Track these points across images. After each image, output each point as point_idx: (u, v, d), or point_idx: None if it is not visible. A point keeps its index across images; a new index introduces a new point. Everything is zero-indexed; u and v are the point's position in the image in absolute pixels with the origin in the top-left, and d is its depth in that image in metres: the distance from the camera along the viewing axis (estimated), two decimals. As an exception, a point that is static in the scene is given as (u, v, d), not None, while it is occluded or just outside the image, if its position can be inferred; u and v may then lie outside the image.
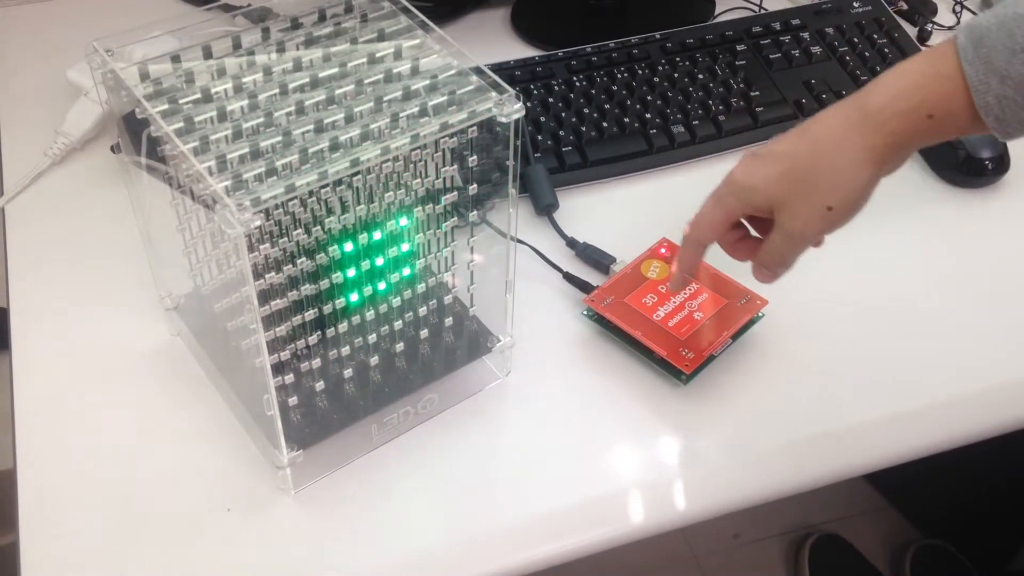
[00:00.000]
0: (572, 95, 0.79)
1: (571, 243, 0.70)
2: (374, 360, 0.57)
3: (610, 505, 0.56)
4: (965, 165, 0.75)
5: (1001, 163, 0.75)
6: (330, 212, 0.49)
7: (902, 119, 0.50)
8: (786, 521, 1.27)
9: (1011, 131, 0.48)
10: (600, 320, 0.64)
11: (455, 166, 0.52)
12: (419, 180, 0.52)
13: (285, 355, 0.52)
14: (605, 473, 0.58)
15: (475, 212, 0.55)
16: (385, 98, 0.50)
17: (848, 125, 0.51)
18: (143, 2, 0.87)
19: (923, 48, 0.87)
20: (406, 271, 0.55)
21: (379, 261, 0.53)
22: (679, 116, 0.78)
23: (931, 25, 0.90)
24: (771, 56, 0.83)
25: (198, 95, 0.50)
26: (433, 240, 0.55)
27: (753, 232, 0.57)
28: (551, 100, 0.78)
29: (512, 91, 0.50)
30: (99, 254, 0.69)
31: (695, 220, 0.57)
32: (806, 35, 0.85)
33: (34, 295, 0.67)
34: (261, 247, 0.47)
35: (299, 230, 0.49)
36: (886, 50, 0.84)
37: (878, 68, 0.83)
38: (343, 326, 0.54)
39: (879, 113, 0.50)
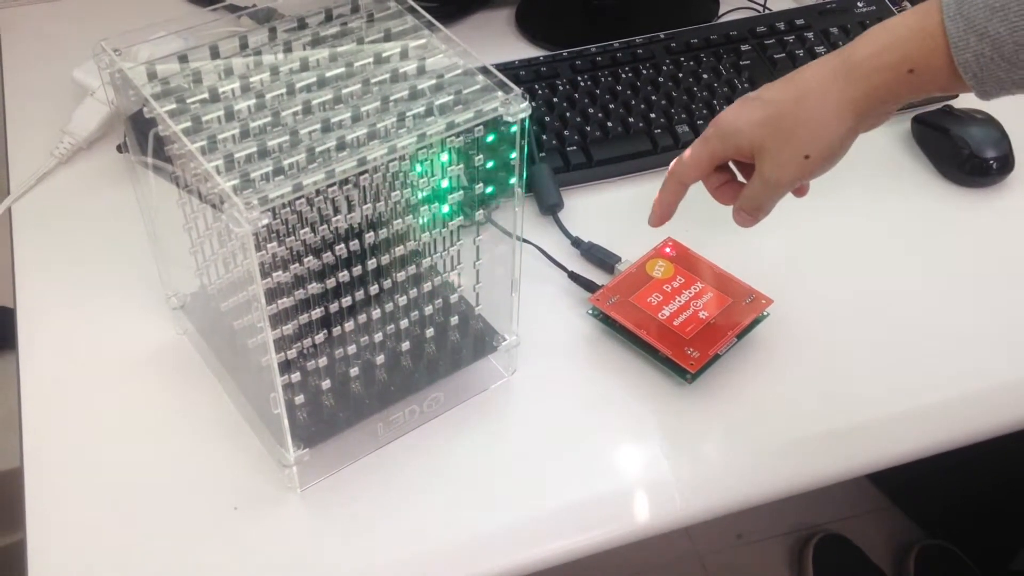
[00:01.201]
0: (577, 95, 0.79)
1: (576, 242, 0.70)
2: (380, 359, 0.57)
3: (615, 504, 0.56)
4: (969, 164, 0.75)
5: (1006, 163, 0.75)
6: (337, 211, 0.50)
7: (884, 73, 0.51)
8: (790, 521, 1.27)
9: (988, 89, 0.49)
10: (605, 319, 0.64)
11: (461, 165, 0.53)
12: (425, 179, 0.52)
13: (292, 354, 0.52)
14: (610, 472, 0.58)
15: (481, 211, 0.55)
16: (391, 97, 0.50)
17: (832, 76, 0.52)
18: (148, 3, 0.88)
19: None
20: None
21: (385, 260, 0.53)
22: (683, 116, 0.78)
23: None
24: (775, 56, 0.83)
25: (205, 95, 0.50)
26: (439, 239, 0.55)
27: (740, 178, 0.58)
28: (556, 100, 0.78)
29: (518, 90, 0.50)
30: (105, 253, 0.69)
31: (680, 157, 0.59)
32: (810, 35, 0.85)
33: (41, 294, 0.67)
34: (268, 246, 0.47)
35: (306, 229, 0.49)
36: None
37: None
38: (349, 325, 0.54)
39: (862, 65, 0.51)
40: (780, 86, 0.55)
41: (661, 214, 0.62)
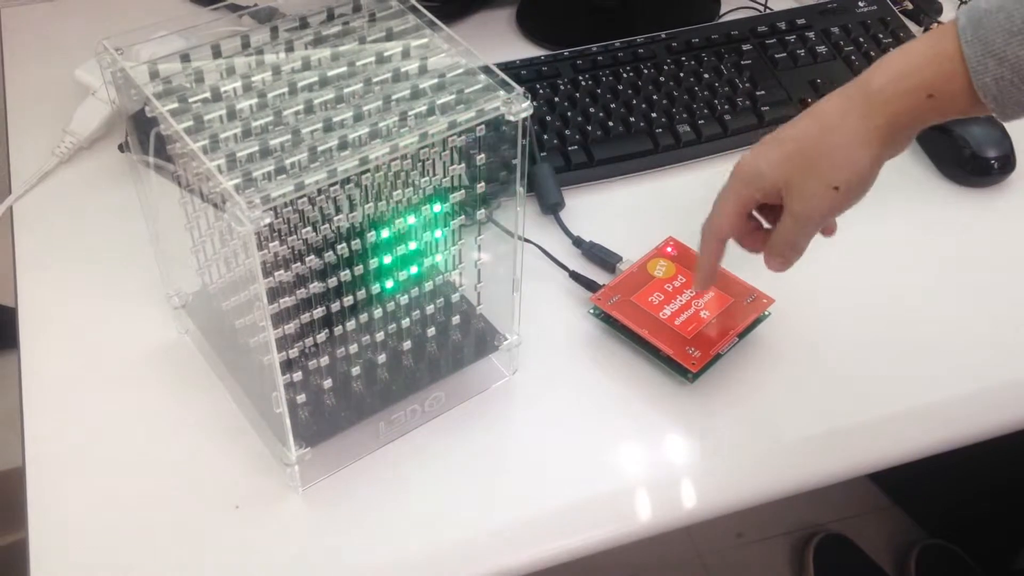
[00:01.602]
0: (578, 94, 0.79)
1: (577, 242, 0.70)
2: (382, 358, 0.57)
3: (616, 503, 0.56)
4: (971, 164, 0.75)
5: (1008, 162, 0.75)
6: (338, 210, 0.50)
7: (903, 99, 0.50)
8: (791, 521, 1.27)
9: (1008, 112, 0.49)
10: (606, 319, 0.64)
11: (463, 165, 0.53)
12: (427, 178, 0.52)
13: (293, 353, 0.52)
14: (611, 471, 0.58)
15: (482, 211, 0.55)
16: (393, 97, 0.50)
17: (851, 106, 0.52)
18: (150, 2, 0.88)
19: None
20: (413, 269, 0.55)
21: (387, 259, 0.53)
22: (685, 115, 0.78)
23: (936, 24, 0.90)
24: (776, 56, 0.83)
25: (207, 94, 0.50)
26: (440, 238, 0.55)
27: (766, 225, 0.58)
28: (557, 99, 0.78)
29: (520, 89, 0.50)
30: (107, 253, 0.69)
31: (710, 216, 0.58)
32: (811, 35, 0.85)
33: (42, 294, 0.67)
34: (270, 245, 0.47)
35: (308, 228, 0.49)
36: (891, 50, 0.84)
37: (883, 67, 0.83)
38: (351, 324, 0.54)
39: (881, 93, 0.51)
40: (799, 122, 0.54)
41: (706, 277, 0.61)
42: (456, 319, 0.59)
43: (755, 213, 0.58)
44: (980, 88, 0.48)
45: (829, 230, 0.58)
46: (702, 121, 0.78)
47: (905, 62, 0.51)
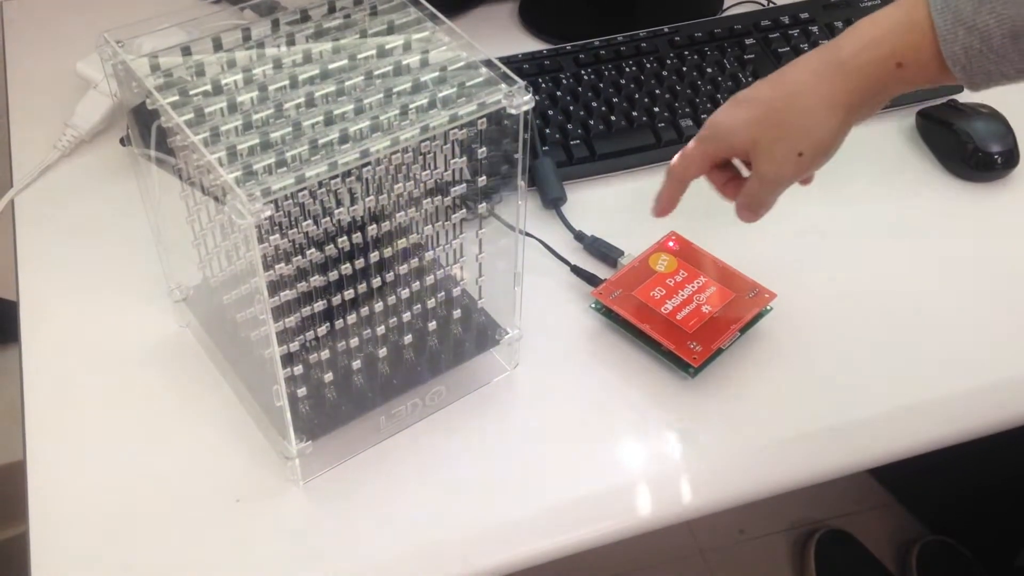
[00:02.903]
0: (580, 88, 0.79)
1: (579, 236, 0.70)
2: (383, 352, 0.57)
3: (617, 498, 0.56)
4: (974, 159, 0.74)
5: (1011, 157, 0.75)
6: (339, 203, 0.49)
7: (872, 67, 0.51)
8: (792, 517, 1.27)
9: (977, 81, 0.49)
10: (608, 313, 0.64)
11: (464, 158, 0.53)
12: (428, 172, 0.52)
13: (294, 346, 0.52)
14: (611, 466, 0.58)
15: (483, 205, 0.55)
16: (394, 90, 0.50)
17: (820, 72, 0.52)
18: (151, -5, 0.87)
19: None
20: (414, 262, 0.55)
21: (388, 252, 0.53)
22: (687, 110, 0.78)
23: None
24: (780, 50, 0.83)
25: (208, 87, 0.50)
26: (441, 232, 0.55)
27: (745, 173, 0.58)
28: (559, 93, 0.78)
29: (521, 83, 0.50)
30: (108, 246, 0.69)
31: (678, 157, 0.59)
32: (815, 29, 0.85)
33: (43, 288, 0.67)
34: (271, 238, 0.47)
35: (308, 221, 0.49)
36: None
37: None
38: (352, 317, 0.54)
39: (850, 60, 0.51)
40: (769, 84, 0.55)
41: (663, 208, 0.62)
42: (457, 313, 0.59)
43: (735, 161, 0.59)
44: (949, 57, 0.48)
45: (806, 180, 0.59)
46: (704, 116, 0.77)
47: (875, 30, 0.51)
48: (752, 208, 0.58)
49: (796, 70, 0.54)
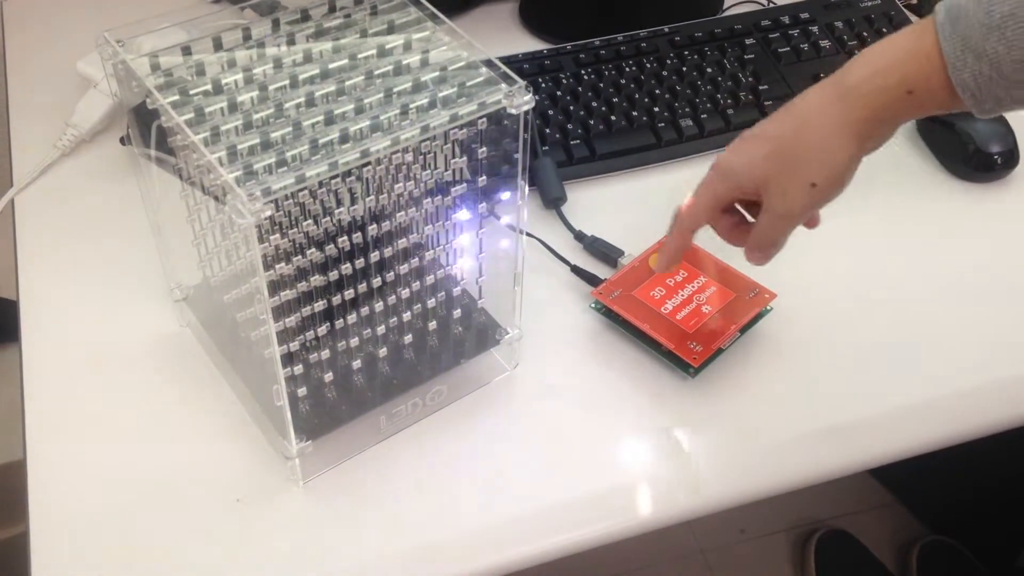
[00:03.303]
0: (580, 88, 0.79)
1: (579, 236, 0.70)
2: (383, 352, 0.57)
3: (616, 498, 0.56)
4: (974, 159, 0.74)
5: (1011, 157, 0.75)
6: (339, 203, 0.49)
7: (882, 95, 0.50)
8: (792, 517, 1.27)
9: (987, 108, 0.49)
10: (608, 313, 0.64)
11: (464, 158, 0.53)
12: (428, 172, 0.52)
13: (294, 346, 0.52)
14: (612, 466, 0.58)
15: (483, 205, 0.55)
16: (395, 90, 0.50)
17: (829, 102, 0.52)
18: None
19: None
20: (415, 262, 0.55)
21: (388, 252, 0.53)
22: (687, 110, 0.78)
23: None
24: (780, 50, 0.83)
25: (208, 86, 0.50)
26: (441, 232, 0.55)
27: (750, 218, 0.58)
28: (559, 93, 0.78)
29: (522, 82, 0.50)
30: (108, 246, 0.69)
31: (685, 203, 0.58)
32: (815, 29, 0.85)
33: (44, 287, 0.67)
34: (271, 237, 0.47)
35: (308, 221, 0.49)
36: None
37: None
38: (352, 317, 0.54)
39: (859, 88, 0.51)
40: (777, 118, 0.54)
41: (670, 261, 0.61)
42: (457, 313, 0.59)
43: (738, 207, 0.58)
44: (958, 84, 0.48)
45: (812, 222, 0.58)
46: (705, 115, 0.77)
47: (883, 58, 0.50)
48: (763, 248, 0.56)
49: (804, 102, 0.53)
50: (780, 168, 0.53)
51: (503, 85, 0.50)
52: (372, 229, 0.51)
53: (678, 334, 0.61)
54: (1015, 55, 0.46)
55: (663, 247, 0.61)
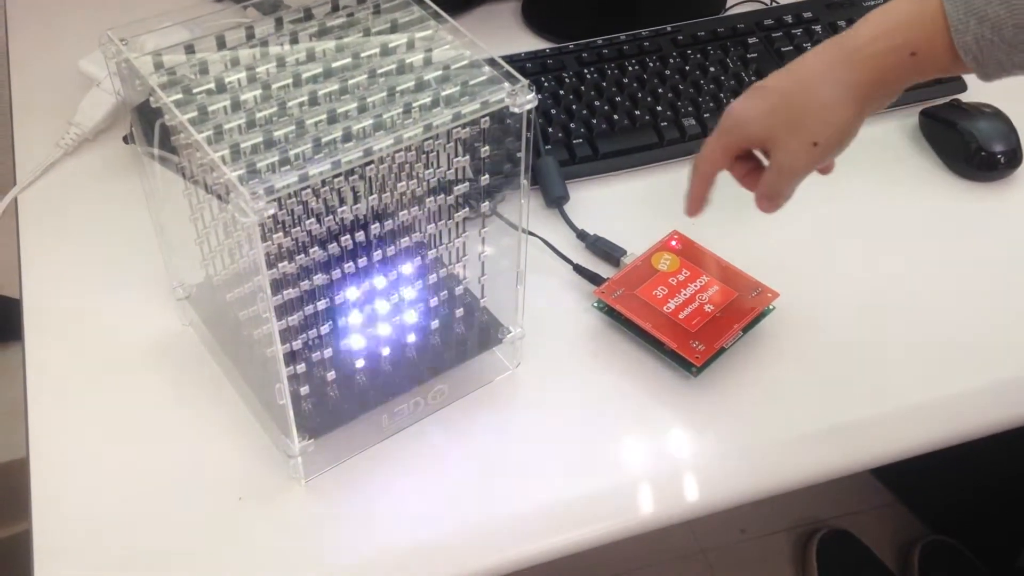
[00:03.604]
0: (583, 87, 0.79)
1: (581, 235, 0.70)
2: (385, 350, 0.57)
3: (619, 497, 0.56)
4: (977, 158, 0.74)
5: (1014, 157, 0.75)
6: (342, 202, 0.49)
7: (885, 56, 0.51)
8: (794, 516, 1.27)
9: (989, 72, 0.49)
10: (610, 312, 0.64)
11: (467, 157, 0.53)
12: (431, 170, 0.52)
13: (297, 344, 0.52)
14: (614, 465, 0.58)
15: (486, 203, 0.55)
16: (398, 88, 0.50)
17: (833, 62, 0.53)
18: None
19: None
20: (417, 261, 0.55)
21: (391, 251, 0.53)
22: (690, 109, 0.78)
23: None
24: (783, 49, 0.83)
25: (211, 85, 0.50)
26: (444, 231, 0.55)
27: (765, 162, 0.58)
28: (562, 92, 0.78)
29: (525, 81, 0.50)
30: (111, 244, 0.69)
31: (700, 153, 0.59)
32: (818, 28, 0.85)
33: (47, 285, 0.67)
34: (274, 236, 0.47)
35: (311, 219, 0.49)
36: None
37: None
38: (355, 316, 0.54)
39: (863, 50, 0.52)
40: (784, 75, 0.55)
41: (693, 205, 0.62)
42: (460, 312, 0.59)
43: (755, 152, 0.59)
44: (961, 47, 0.48)
45: (826, 169, 0.59)
46: (707, 115, 0.77)
47: (888, 20, 0.51)
48: (771, 198, 0.58)
49: (810, 60, 0.54)
50: (783, 125, 0.54)
51: (506, 84, 0.50)
52: (375, 228, 0.51)
53: (680, 333, 0.61)
54: (1017, 19, 0.47)
55: (687, 193, 0.62)
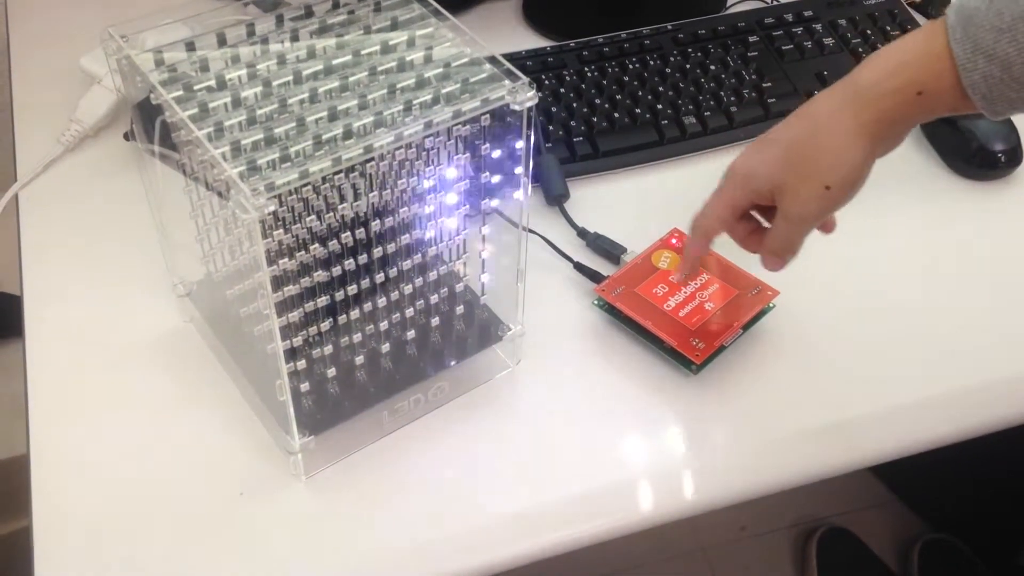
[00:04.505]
0: (584, 86, 0.79)
1: (582, 233, 0.70)
2: (385, 347, 0.57)
3: (618, 494, 0.57)
4: (978, 157, 0.74)
5: (1014, 155, 0.75)
6: (343, 199, 0.50)
7: (893, 96, 0.50)
8: (794, 514, 1.27)
9: (998, 109, 0.49)
10: (610, 310, 0.64)
11: (467, 154, 0.53)
12: (431, 168, 0.52)
13: (297, 341, 0.52)
14: (613, 462, 0.58)
15: (487, 201, 0.55)
16: (398, 86, 0.50)
17: (841, 105, 0.52)
18: (155, -10, 0.87)
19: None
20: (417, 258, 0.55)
21: (391, 248, 0.53)
22: (691, 107, 0.78)
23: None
24: (783, 47, 0.83)
25: (212, 82, 0.50)
26: (444, 228, 0.55)
27: (765, 224, 0.58)
28: (562, 90, 0.78)
29: (525, 79, 0.50)
30: (112, 241, 0.69)
31: (701, 211, 0.58)
32: (818, 26, 0.85)
33: (47, 282, 0.67)
34: (274, 233, 0.47)
35: (312, 216, 0.49)
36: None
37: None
38: (355, 313, 0.54)
39: (870, 91, 0.51)
40: (790, 122, 0.54)
41: (689, 270, 0.62)
42: (460, 309, 0.59)
43: (754, 213, 0.58)
44: (969, 86, 0.48)
45: (827, 226, 0.58)
46: (708, 113, 0.77)
47: (894, 59, 0.51)
48: (779, 253, 0.56)
49: (816, 105, 0.53)
50: (793, 172, 0.53)
51: (506, 81, 0.50)
52: (375, 225, 0.51)
53: (681, 331, 0.61)
54: None
55: (683, 257, 0.61)
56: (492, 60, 0.51)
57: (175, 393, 0.61)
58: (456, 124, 0.50)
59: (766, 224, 0.58)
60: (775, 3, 0.90)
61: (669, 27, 0.84)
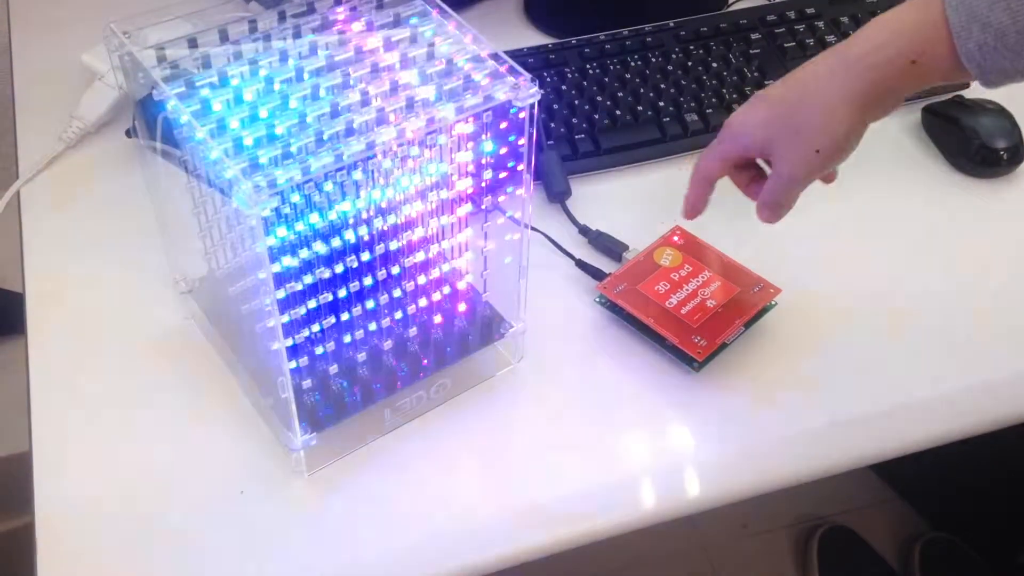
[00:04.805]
0: (585, 83, 0.79)
1: (584, 230, 0.70)
2: (388, 344, 0.57)
3: (620, 491, 0.56)
4: (980, 155, 0.74)
5: (1016, 153, 0.74)
6: (345, 196, 0.49)
7: (886, 64, 0.51)
8: (795, 512, 1.27)
9: (991, 79, 0.49)
10: (612, 307, 0.64)
11: (469, 151, 0.52)
12: (433, 165, 0.52)
13: (299, 338, 0.52)
14: (616, 459, 0.58)
15: (489, 198, 0.55)
16: (400, 83, 0.50)
17: (834, 69, 0.53)
18: (157, -13, 0.87)
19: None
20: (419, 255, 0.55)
21: (393, 245, 0.53)
22: (693, 104, 0.78)
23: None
24: (785, 45, 0.83)
25: (214, 78, 0.50)
26: (446, 225, 0.55)
27: (768, 171, 0.58)
28: (564, 88, 0.78)
29: (527, 76, 0.50)
30: (113, 238, 0.69)
31: (700, 158, 0.60)
32: (821, 24, 0.85)
33: (49, 279, 0.67)
34: (276, 230, 0.47)
35: (314, 213, 0.49)
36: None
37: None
38: (357, 310, 0.54)
39: (864, 58, 0.51)
40: (784, 84, 0.55)
41: (691, 209, 0.62)
42: (462, 306, 0.59)
43: (759, 161, 0.59)
44: (964, 54, 0.48)
45: (829, 178, 0.59)
46: (710, 110, 0.77)
47: (889, 27, 0.51)
48: (772, 208, 0.58)
49: (810, 69, 0.54)
50: (784, 133, 0.54)
51: (508, 79, 0.50)
52: (377, 222, 0.51)
53: (682, 328, 0.61)
54: (1020, 26, 0.47)
55: (685, 197, 0.62)
56: (494, 57, 0.51)
57: (176, 390, 0.61)
58: (458, 121, 0.49)
59: (768, 170, 0.58)
60: (777, 1, 0.90)
61: (671, 24, 0.84)
